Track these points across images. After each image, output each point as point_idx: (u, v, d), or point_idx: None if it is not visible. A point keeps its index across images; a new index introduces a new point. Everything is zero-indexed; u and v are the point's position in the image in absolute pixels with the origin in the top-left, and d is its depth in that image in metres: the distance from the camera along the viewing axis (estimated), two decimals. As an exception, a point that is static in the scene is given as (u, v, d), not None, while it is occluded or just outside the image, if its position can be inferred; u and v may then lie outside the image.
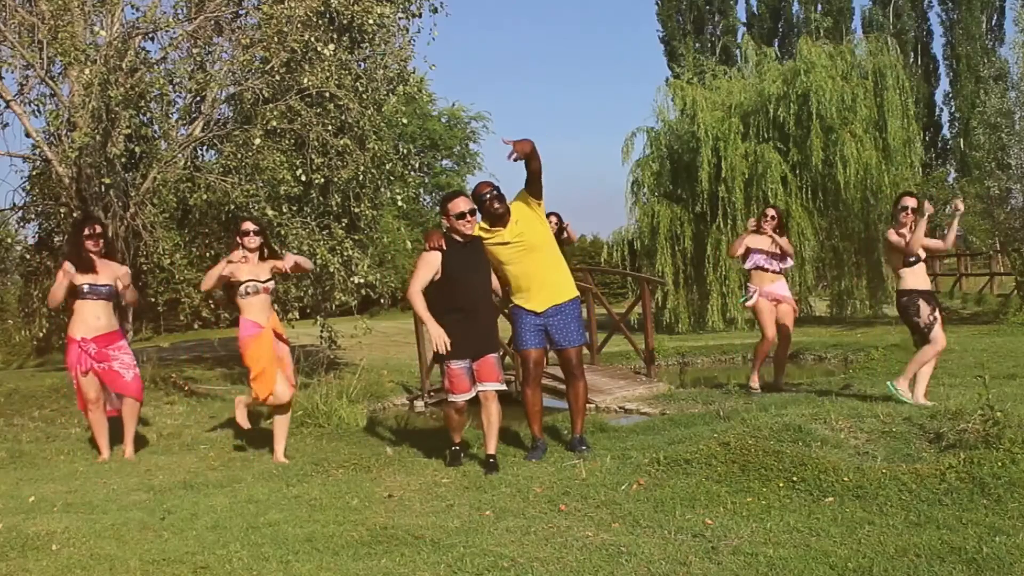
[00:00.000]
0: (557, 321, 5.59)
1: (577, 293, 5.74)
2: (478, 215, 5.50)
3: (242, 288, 5.82)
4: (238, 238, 5.96)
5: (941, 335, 6.19)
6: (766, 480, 4.39)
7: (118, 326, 6.42)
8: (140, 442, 6.75)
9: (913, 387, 6.28)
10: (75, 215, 9.28)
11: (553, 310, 5.58)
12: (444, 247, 5.32)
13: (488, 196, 5.45)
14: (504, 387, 5.56)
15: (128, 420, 6.37)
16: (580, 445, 5.60)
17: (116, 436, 6.44)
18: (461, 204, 5.38)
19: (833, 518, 3.87)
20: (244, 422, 6.11)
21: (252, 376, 5.90)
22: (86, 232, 6.19)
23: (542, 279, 5.56)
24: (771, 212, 8.08)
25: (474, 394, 5.49)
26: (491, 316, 5.60)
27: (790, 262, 8.12)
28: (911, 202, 6.32)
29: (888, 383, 6.23)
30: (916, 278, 6.26)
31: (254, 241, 5.91)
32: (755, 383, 7.99)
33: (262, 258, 5.98)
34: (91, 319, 6.17)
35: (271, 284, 5.98)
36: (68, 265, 6.12)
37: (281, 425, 6.09)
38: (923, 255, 6.30)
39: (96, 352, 6.17)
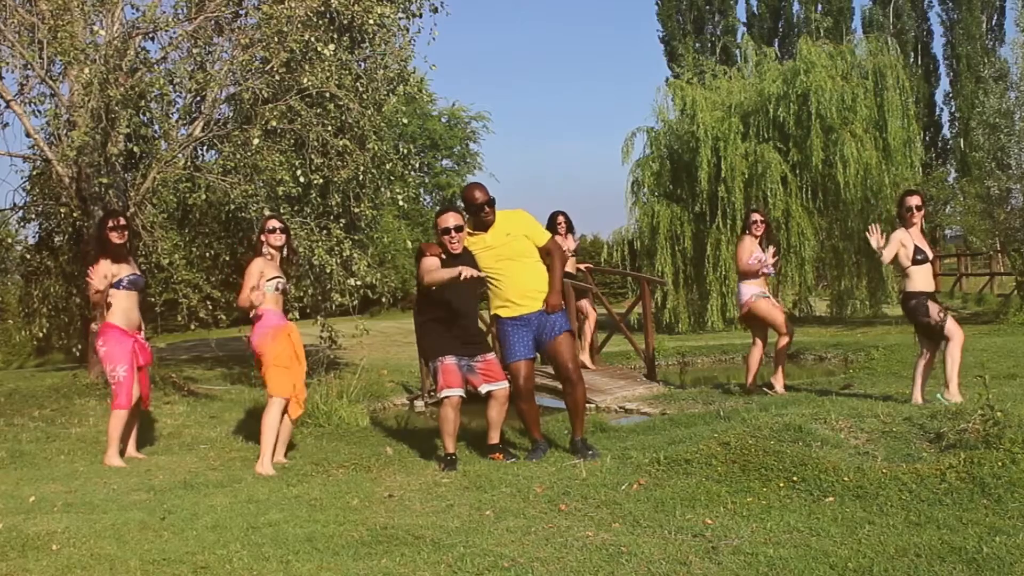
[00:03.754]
0: (541, 322, 5.53)
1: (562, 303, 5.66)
2: (463, 232, 5.58)
3: (271, 284, 5.73)
4: (263, 236, 5.88)
5: (956, 327, 6.21)
6: (766, 480, 4.39)
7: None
8: (140, 442, 6.75)
9: (912, 389, 6.28)
10: (75, 215, 9.28)
11: (535, 316, 5.52)
12: (443, 256, 5.49)
13: (479, 203, 5.49)
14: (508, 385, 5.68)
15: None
16: (586, 449, 5.49)
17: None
18: (448, 220, 5.55)
19: (833, 518, 3.87)
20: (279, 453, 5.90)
21: (274, 370, 5.70)
22: (110, 224, 6.12)
23: (521, 286, 5.52)
24: (757, 217, 7.94)
25: (462, 391, 5.60)
26: (477, 322, 5.80)
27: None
28: (915, 200, 6.33)
29: (937, 395, 6.11)
30: (924, 279, 6.25)
31: (279, 239, 5.85)
32: (780, 385, 7.87)
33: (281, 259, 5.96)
34: (132, 313, 6.11)
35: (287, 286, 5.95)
36: (104, 261, 6.01)
37: (285, 426, 5.97)
38: (931, 254, 6.32)
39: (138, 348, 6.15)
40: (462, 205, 5.65)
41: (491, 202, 5.53)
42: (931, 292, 6.28)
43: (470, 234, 5.62)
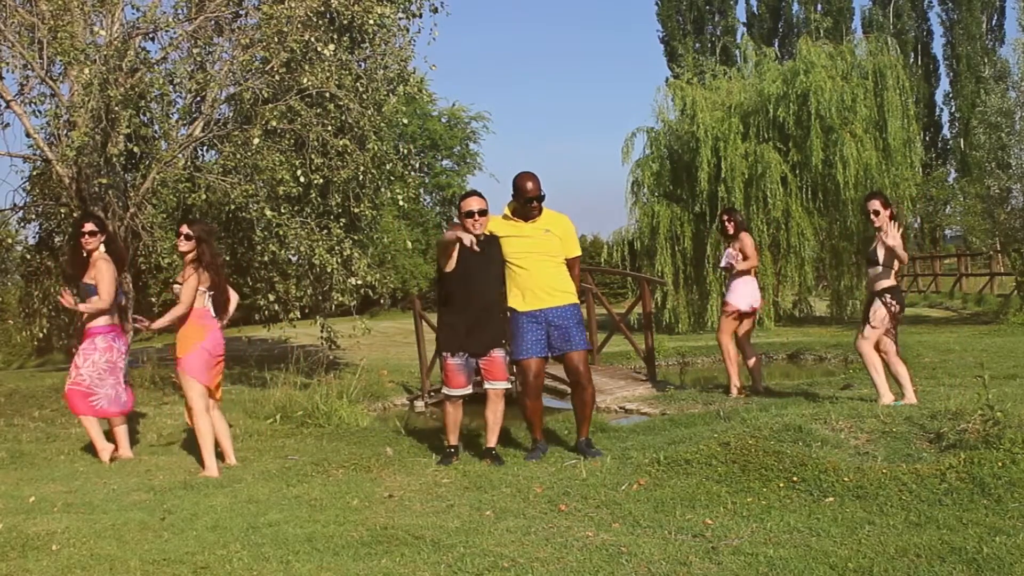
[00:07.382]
0: (557, 323, 5.51)
1: (577, 302, 5.69)
2: (486, 216, 5.50)
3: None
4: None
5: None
6: (766, 480, 4.39)
7: (91, 326, 6.37)
8: (141, 442, 6.74)
9: (903, 390, 6.25)
10: (75, 215, 9.28)
11: (552, 312, 5.49)
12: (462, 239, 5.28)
13: (531, 195, 5.45)
14: (510, 386, 5.70)
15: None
16: (589, 448, 5.52)
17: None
18: (472, 203, 5.49)
19: (833, 518, 3.87)
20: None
21: None
22: (76, 231, 6.30)
23: (543, 282, 5.50)
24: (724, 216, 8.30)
25: (470, 390, 5.63)
26: (498, 314, 5.62)
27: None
28: (874, 204, 6.36)
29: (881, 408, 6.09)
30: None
31: (184, 245, 5.79)
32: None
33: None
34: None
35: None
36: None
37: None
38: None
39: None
40: (512, 192, 5.56)
41: (542, 198, 5.51)
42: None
43: (507, 217, 5.59)
